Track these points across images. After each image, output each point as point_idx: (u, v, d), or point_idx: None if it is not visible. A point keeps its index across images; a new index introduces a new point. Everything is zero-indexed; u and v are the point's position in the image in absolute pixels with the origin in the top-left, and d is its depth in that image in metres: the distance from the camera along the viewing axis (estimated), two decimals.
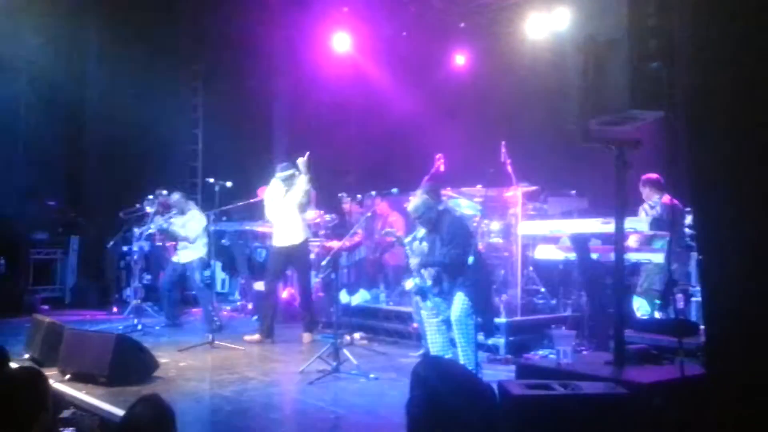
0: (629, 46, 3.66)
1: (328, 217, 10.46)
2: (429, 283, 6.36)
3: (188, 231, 9.34)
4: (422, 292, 6.36)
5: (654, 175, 7.18)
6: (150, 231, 9.74)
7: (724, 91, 2.80)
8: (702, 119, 2.86)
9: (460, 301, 6.05)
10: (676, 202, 7.14)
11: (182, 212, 9.45)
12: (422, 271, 6.43)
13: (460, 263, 5.98)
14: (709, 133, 2.79)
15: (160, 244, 10.64)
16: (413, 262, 6.60)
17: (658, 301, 7.01)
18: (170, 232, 9.46)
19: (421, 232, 6.63)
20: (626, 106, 3.75)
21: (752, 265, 2.65)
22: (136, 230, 9.89)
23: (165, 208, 10.04)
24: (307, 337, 8.27)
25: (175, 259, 9.55)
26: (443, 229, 6.26)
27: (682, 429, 3.21)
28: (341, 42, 11.99)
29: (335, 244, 8.59)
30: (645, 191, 7.27)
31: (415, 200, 6.58)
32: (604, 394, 3.23)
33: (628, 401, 3.16)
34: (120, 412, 4.66)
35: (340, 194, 10.34)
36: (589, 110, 3.98)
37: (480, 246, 7.26)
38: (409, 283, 6.61)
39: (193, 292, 10.00)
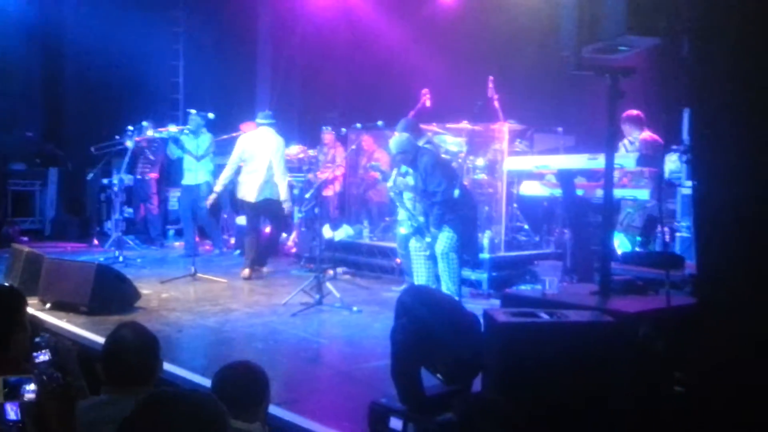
0: None
1: (312, 152, 10.36)
2: (422, 219, 6.33)
3: (198, 148, 9.45)
4: (419, 231, 6.34)
5: (634, 112, 7.13)
6: (162, 135, 9.79)
7: (730, 10, 2.72)
8: (707, 38, 2.77)
9: (445, 234, 6.04)
10: (656, 138, 7.10)
11: (195, 132, 9.55)
12: (416, 205, 6.40)
13: (451, 198, 5.94)
14: (716, 53, 2.71)
15: (140, 177, 10.58)
16: (393, 194, 6.59)
17: (638, 238, 7.04)
18: (181, 141, 9.59)
19: (404, 168, 6.59)
20: (622, 33, 3.65)
21: (750, 191, 2.61)
22: (150, 131, 9.93)
23: (149, 143, 10.07)
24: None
25: (184, 182, 9.71)
26: (422, 168, 6.19)
27: (668, 357, 3.22)
28: None
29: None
30: (625, 128, 7.23)
31: (394, 138, 6.51)
32: (590, 321, 3.22)
33: (615, 329, 3.15)
34: (101, 340, 4.62)
35: (323, 127, 10.22)
36: (583, 37, 3.87)
37: (465, 181, 7.21)
38: (403, 230, 6.59)
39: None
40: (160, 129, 9.89)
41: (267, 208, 8.23)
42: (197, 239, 9.68)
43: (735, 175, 2.71)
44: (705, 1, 2.90)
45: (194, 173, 9.57)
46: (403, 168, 6.53)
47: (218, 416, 1.63)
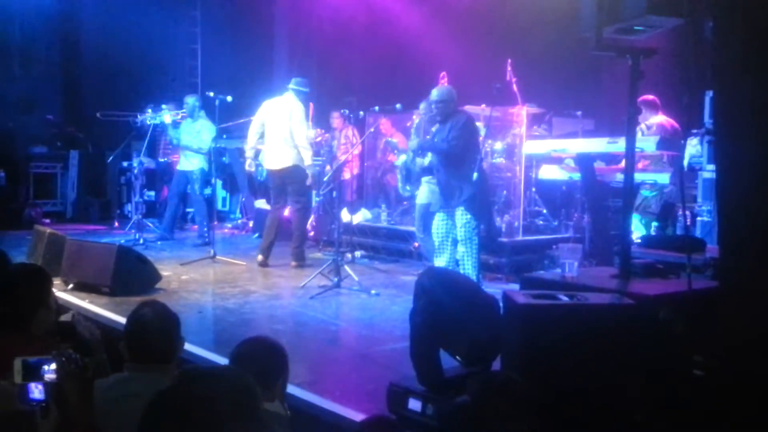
0: None
1: (329, 135, 10.35)
2: (417, 169, 6.30)
3: (201, 142, 9.20)
4: (408, 172, 6.30)
5: (649, 97, 7.06)
6: (155, 121, 9.64)
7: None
8: (724, 24, 2.74)
9: (463, 216, 6.00)
10: (673, 123, 7.04)
11: (192, 116, 9.39)
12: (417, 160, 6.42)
13: (457, 157, 5.91)
14: (732, 39, 2.68)
15: (163, 159, 10.62)
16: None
17: (655, 223, 7.01)
18: (171, 133, 9.49)
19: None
20: (643, 13, 3.61)
21: None
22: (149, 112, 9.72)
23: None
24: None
25: (179, 167, 9.56)
26: (452, 124, 6.13)
27: (688, 340, 3.21)
28: None
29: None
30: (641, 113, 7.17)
31: (438, 87, 6.43)
32: (610, 304, 3.21)
33: (635, 312, 3.14)
34: (122, 320, 4.68)
35: (333, 112, 10.20)
36: (603, 18, 3.83)
37: (484, 164, 7.18)
38: (400, 159, 6.53)
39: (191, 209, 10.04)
40: (154, 114, 9.61)
41: (289, 178, 7.89)
42: (215, 223, 9.68)
43: (757, 160, 2.69)
44: None
45: (188, 158, 9.36)
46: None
47: (252, 392, 1.62)
